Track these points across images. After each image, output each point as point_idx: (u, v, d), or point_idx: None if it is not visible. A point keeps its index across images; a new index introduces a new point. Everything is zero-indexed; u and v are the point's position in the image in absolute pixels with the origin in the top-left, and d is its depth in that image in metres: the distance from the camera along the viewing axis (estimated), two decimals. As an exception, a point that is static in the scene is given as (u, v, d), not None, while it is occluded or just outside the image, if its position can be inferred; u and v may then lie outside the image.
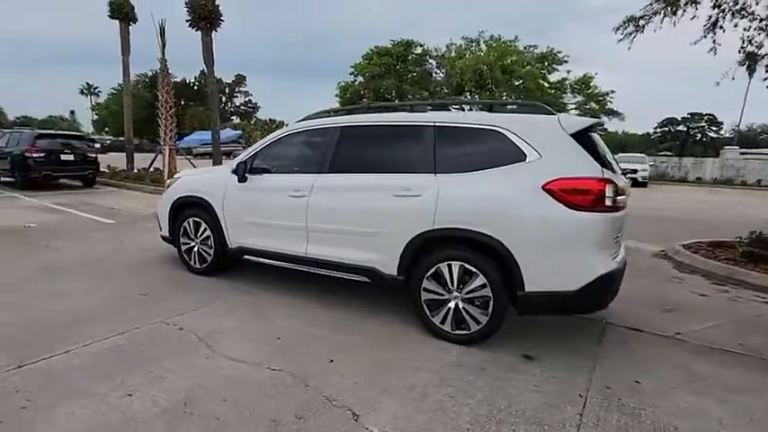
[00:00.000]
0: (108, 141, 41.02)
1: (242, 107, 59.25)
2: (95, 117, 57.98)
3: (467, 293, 2.91)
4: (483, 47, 31.05)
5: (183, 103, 45.84)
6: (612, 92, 30.07)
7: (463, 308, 2.94)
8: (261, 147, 3.99)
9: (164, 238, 4.66)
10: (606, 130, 50.52)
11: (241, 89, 58.26)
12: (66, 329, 3.01)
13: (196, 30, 11.91)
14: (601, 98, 30.30)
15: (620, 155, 22.79)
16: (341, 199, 3.41)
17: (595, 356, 2.89)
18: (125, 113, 14.83)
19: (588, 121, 2.87)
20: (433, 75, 34.69)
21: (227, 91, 55.48)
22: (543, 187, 2.67)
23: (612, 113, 30.57)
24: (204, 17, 11.36)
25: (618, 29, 6.26)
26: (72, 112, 66.59)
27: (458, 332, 2.98)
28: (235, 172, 3.89)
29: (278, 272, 3.92)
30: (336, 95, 36.39)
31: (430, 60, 34.89)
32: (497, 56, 28.73)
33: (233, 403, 2.21)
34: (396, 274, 3.16)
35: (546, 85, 30.19)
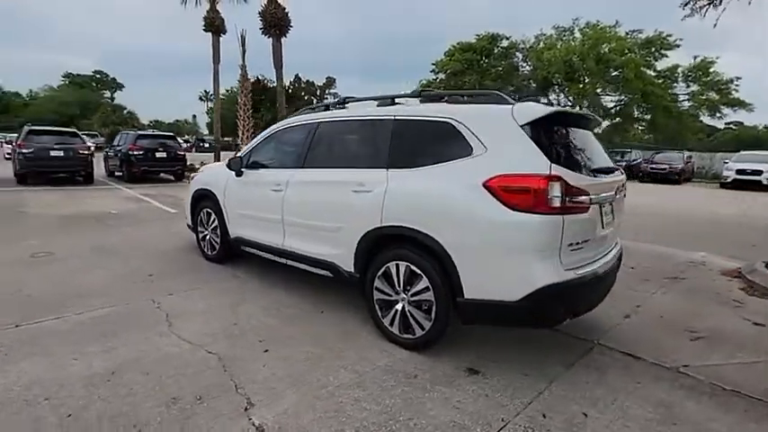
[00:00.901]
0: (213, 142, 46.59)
1: (332, 108, 62.19)
2: (208, 120, 65.58)
3: (412, 296, 2.76)
4: (577, 35, 28.53)
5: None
6: (738, 78, 25.51)
7: (409, 311, 2.79)
8: (256, 142, 4.20)
9: (188, 227, 5.16)
10: (741, 123, 42.53)
11: (331, 91, 61.28)
12: (77, 298, 3.50)
13: (268, 37, 12.86)
14: (723, 86, 25.89)
15: (742, 153, 19.33)
16: (309, 194, 3.45)
17: (554, 379, 2.54)
18: (214, 116, 16.58)
19: (545, 110, 2.48)
20: (520, 68, 32.82)
21: (317, 93, 58.80)
22: (484, 185, 2.41)
23: (738, 104, 25.92)
24: (274, 24, 12.21)
25: (686, 3, 5.33)
26: (194, 117, 76.50)
27: (405, 336, 2.84)
28: (228, 167, 4.15)
29: (280, 265, 4.06)
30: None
31: (516, 54, 33.10)
32: (591, 44, 26.16)
33: (150, 377, 2.39)
34: (353, 270, 3.11)
35: (651, 73, 26.68)
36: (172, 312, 3.29)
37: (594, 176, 2.62)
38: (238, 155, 4.28)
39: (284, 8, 12.41)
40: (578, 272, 2.44)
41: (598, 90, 27.44)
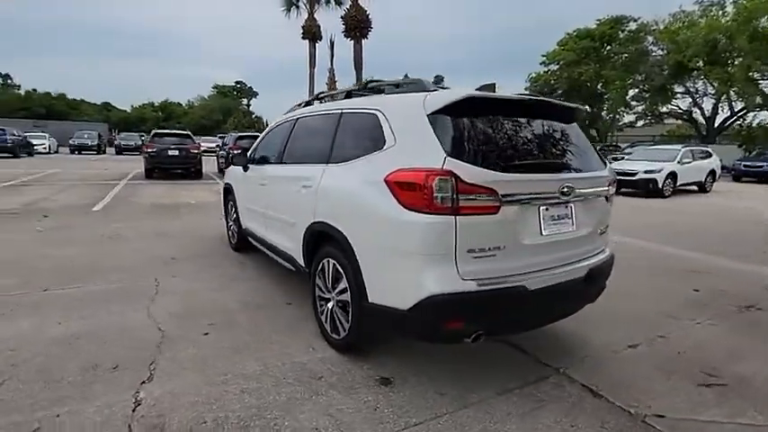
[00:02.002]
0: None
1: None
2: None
3: (337, 295, 2.67)
4: (729, 9, 23.67)
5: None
6: None
7: (334, 310, 2.71)
8: (260, 139, 4.46)
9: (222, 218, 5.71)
10: None
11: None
12: (103, 273, 4.15)
13: (349, 39, 13.40)
14: None
15: None
16: (278, 189, 3.57)
17: (470, 404, 2.22)
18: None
19: (454, 96, 2.14)
20: (650, 54, 28.49)
21: (425, 92, 59.04)
22: (384, 180, 2.21)
23: None
24: (354, 27, 12.67)
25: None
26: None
27: (333, 336, 2.76)
28: (234, 162, 4.49)
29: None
30: (526, 88, 34.17)
31: (647, 37, 28.80)
32: (744, 18, 21.48)
33: (99, 344, 2.73)
34: (303, 265, 3.13)
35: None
36: (162, 291, 3.70)
37: (519, 173, 2.20)
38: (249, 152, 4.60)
39: (365, 11, 12.80)
40: (484, 283, 2.07)
41: (753, 74, 22.40)
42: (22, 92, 69.42)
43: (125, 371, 2.45)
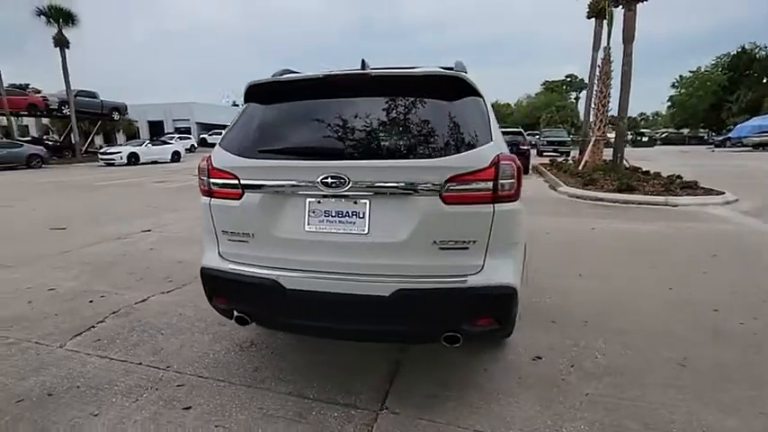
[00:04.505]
0: (664, 134, 39.59)
1: None
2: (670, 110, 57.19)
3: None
4: None
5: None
6: None
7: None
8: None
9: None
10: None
11: None
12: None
13: (621, 7, 10.60)
14: None
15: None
16: None
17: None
18: (585, 106, 15.49)
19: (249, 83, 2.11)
20: None
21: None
22: None
23: None
24: (625, -12, 9.94)
25: None
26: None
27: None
28: None
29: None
30: None
31: None
32: None
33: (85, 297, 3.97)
34: None
35: None
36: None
37: (270, 159, 1.94)
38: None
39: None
40: (236, 266, 2.04)
41: None
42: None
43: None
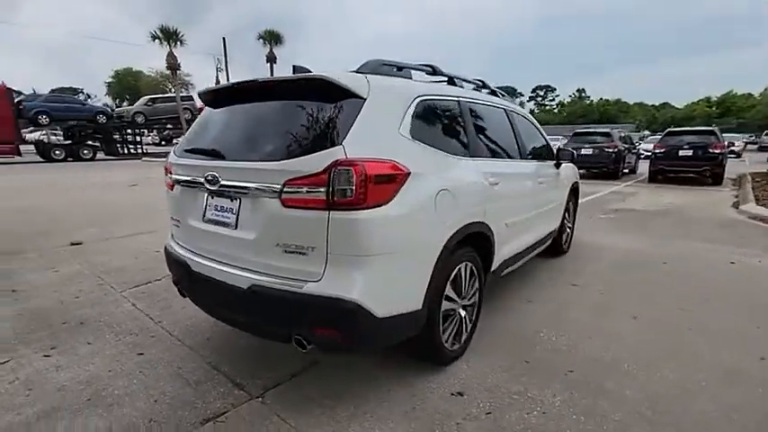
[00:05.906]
0: None
1: None
2: None
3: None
4: None
5: None
6: None
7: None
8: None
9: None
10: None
11: None
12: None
13: None
14: None
15: None
16: None
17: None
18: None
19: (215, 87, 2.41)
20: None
21: None
22: None
23: None
24: None
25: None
26: None
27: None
28: None
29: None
30: None
31: None
32: None
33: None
34: None
35: None
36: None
37: (184, 158, 2.30)
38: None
39: None
40: (173, 245, 2.45)
41: None
42: (593, 102, 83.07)
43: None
